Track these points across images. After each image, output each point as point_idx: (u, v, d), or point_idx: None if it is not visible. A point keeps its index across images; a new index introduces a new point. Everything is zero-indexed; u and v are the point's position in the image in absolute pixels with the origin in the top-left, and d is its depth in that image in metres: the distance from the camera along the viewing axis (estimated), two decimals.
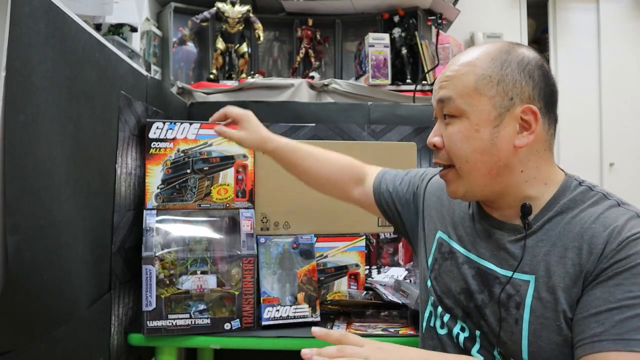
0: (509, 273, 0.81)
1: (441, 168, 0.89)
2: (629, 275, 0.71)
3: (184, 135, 1.33)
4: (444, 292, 0.93)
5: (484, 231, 0.88)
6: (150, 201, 1.31)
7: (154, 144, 1.32)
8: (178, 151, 1.33)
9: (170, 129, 1.33)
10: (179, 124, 1.34)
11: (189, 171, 1.34)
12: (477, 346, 0.86)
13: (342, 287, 1.45)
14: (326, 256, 1.44)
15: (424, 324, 0.98)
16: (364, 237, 1.48)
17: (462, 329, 0.89)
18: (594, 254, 0.74)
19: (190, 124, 1.35)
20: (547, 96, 0.81)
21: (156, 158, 1.32)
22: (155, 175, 1.32)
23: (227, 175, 1.36)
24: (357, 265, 1.47)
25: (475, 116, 0.80)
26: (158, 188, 1.31)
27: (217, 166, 1.36)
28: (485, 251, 0.87)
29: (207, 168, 1.35)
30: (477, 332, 0.86)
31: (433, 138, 0.87)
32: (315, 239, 1.39)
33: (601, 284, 0.72)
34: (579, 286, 0.74)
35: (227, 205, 1.36)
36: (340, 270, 1.46)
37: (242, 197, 1.37)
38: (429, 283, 0.97)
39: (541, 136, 0.82)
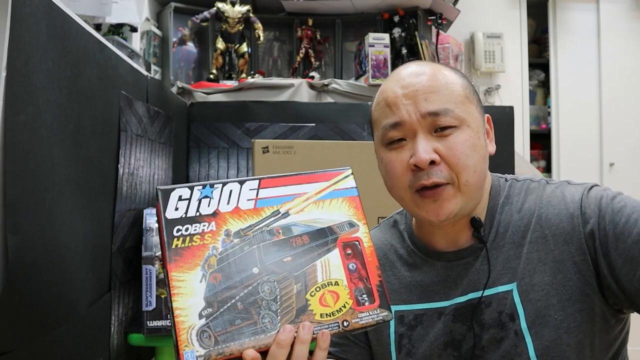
0: (488, 292, 0.78)
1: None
2: (611, 211, 0.72)
3: (232, 205, 0.66)
4: None
5: (445, 271, 0.82)
6: (191, 347, 0.59)
7: (178, 231, 0.63)
8: (227, 236, 0.65)
9: (206, 196, 0.65)
10: (219, 186, 0.66)
11: (255, 270, 0.64)
12: None
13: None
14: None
15: None
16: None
17: None
18: (566, 232, 0.74)
19: (241, 182, 0.67)
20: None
21: (187, 257, 0.62)
22: (190, 292, 0.61)
23: (330, 265, 0.67)
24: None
25: (474, 123, 0.78)
26: (202, 317, 0.60)
27: (307, 251, 0.67)
28: (456, 288, 0.81)
29: (289, 258, 0.66)
30: None
31: (430, 154, 0.73)
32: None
33: (611, 234, 0.71)
34: (578, 265, 0.73)
35: (347, 324, 0.64)
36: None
37: (370, 302, 0.66)
38: None
39: None
